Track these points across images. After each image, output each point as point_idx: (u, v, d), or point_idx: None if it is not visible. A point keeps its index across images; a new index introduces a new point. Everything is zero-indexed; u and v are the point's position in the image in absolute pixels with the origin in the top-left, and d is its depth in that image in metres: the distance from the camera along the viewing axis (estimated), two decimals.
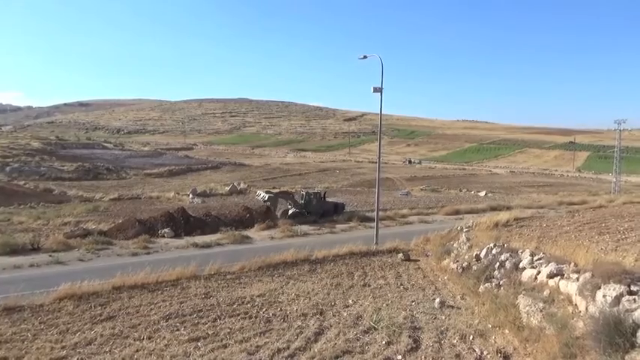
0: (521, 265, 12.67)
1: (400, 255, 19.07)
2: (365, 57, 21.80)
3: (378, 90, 21.76)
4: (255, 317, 11.96)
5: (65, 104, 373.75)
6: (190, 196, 43.13)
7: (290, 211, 29.59)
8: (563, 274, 10.57)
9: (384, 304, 12.89)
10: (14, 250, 19.52)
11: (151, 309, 12.57)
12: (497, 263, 13.70)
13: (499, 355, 9.42)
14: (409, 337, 10.38)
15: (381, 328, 10.91)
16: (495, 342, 10.05)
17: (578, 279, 9.81)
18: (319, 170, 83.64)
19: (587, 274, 9.55)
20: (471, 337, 10.36)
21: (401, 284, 15.16)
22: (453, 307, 12.64)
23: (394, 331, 10.68)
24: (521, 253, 13.34)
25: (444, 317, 11.82)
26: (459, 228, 21.86)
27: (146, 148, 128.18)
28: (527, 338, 9.62)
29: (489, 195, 51.73)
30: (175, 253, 20.46)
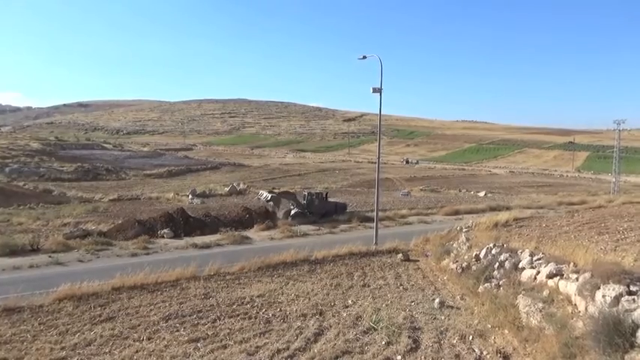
0: (520, 266, 12.68)
1: (400, 255, 19.07)
2: (364, 57, 21.81)
3: (378, 90, 21.77)
4: (255, 318, 11.96)
5: (64, 105, 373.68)
6: (190, 196, 43.10)
7: (292, 211, 29.72)
8: (563, 274, 10.58)
9: (384, 305, 12.89)
10: (14, 251, 19.48)
11: (151, 310, 12.56)
12: (497, 263, 13.71)
13: (498, 355, 9.43)
14: (409, 337, 10.39)
15: (381, 328, 10.91)
16: (495, 342, 10.06)
17: (577, 279, 9.82)
18: (319, 170, 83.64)
19: (587, 274, 9.56)
20: (471, 338, 10.37)
21: (400, 284, 15.16)
22: (452, 307, 12.64)
23: (394, 331, 10.69)
24: (521, 253, 13.34)
25: (443, 317, 11.83)
26: (458, 228, 21.88)
27: (145, 149, 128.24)
28: (527, 338, 9.63)
29: (489, 195, 51.76)
30: (175, 254, 20.45)
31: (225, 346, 10.14)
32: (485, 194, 52.38)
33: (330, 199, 33.44)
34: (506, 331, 10.42)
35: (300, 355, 9.63)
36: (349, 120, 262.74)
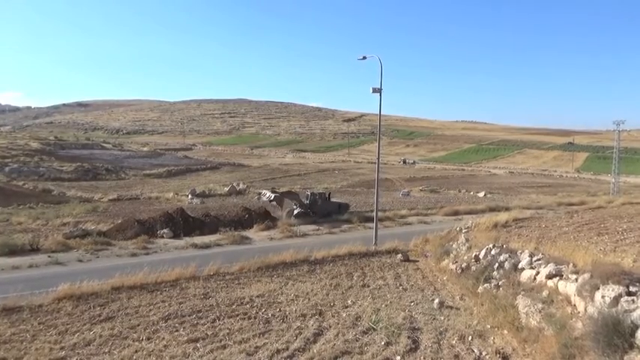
0: (520, 266, 12.68)
1: (399, 255, 19.08)
2: (364, 58, 21.83)
3: (377, 91, 21.78)
4: (254, 318, 11.96)
5: (64, 104, 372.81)
6: (189, 196, 43.06)
7: (295, 211, 29.80)
8: (562, 275, 10.58)
9: (383, 305, 12.90)
10: (13, 251, 19.51)
11: (150, 309, 12.57)
12: (497, 264, 13.71)
13: (498, 355, 9.44)
14: (408, 337, 10.39)
15: (380, 328, 10.92)
16: (494, 342, 10.07)
17: (577, 280, 9.83)
18: (318, 171, 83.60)
19: (586, 275, 9.57)
20: (470, 338, 10.38)
21: (400, 285, 15.17)
22: (452, 307, 12.65)
23: (393, 331, 10.70)
24: (520, 253, 13.35)
25: (442, 318, 11.84)
26: (458, 229, 21.90)
27: (145, 149, 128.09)
28: (526, 339, 9.64)
29: (488, 196, 51.75)
30: (174, 254, 20.47)
31: (224, 346, 10.15)
32: (485, 195, 52.37)
33: (333, 199, 33.61)
34: (505, 332, 10.43)
35: (299, 356, 9.63)
36: (349, 120, 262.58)
